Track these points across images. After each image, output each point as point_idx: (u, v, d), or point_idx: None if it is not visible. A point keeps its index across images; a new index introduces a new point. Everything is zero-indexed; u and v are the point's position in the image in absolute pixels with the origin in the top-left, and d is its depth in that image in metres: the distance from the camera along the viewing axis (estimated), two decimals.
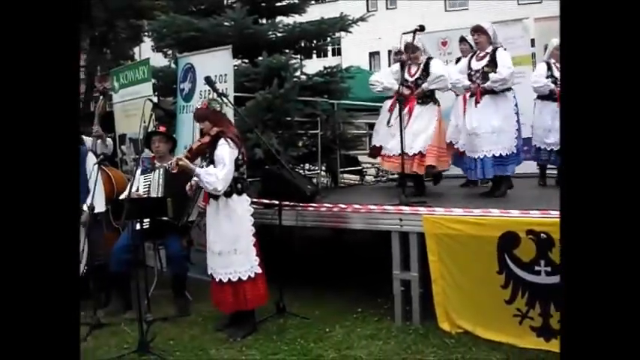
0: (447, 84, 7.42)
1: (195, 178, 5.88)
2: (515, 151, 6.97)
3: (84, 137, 7.79)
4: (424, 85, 7.39)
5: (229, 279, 5.89)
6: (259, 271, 5.98)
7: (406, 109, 7.26)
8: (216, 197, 5.87)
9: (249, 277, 5.91)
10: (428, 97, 7.49)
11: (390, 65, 9.61)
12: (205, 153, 5.93)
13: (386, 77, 7.77)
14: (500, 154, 6.92)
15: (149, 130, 6.98)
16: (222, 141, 5.76)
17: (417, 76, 7.48)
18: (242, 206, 5.93)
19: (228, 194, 5.82)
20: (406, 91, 7.35)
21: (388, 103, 7.67)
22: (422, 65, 7.50)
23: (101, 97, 8.43)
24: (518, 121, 7.06)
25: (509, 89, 7.03)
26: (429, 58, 7.59)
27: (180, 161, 5.67)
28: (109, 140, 7.98)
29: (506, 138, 6.95)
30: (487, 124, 6.96)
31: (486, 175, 7.11)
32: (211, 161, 5.80)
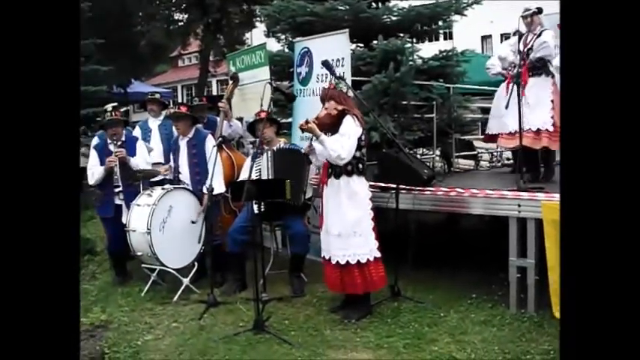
0: (551, 52, 7.19)
1: (317, 146, 5.91)
2: None
3: (217, 118, 8.04)
4: (531, 55, 7.22)
5: (347, 261, 5.88)
6: (378, 255, 5.96)
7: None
8: (337, 176, 5.86)
9: (368, 260, 5.89)
10: (539, 69, 7.29)
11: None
12: (328, 127, 5.86)
13: (502, 48, 7.64)
14: None
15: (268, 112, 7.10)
16: (348, 117, 5.76)
17: (529, 46, 7.32)
18: (363, 188, 5.92)
19: (349, 173, 5.82)
20: (520, 63, 7.20)
21: (503, 87, 7.54)
22: (535, 36, 7.32)
23: (231, 82, 8.63)
24: None
25: None
26: (542, 30, 7.39)
27: (309, 123, 5.66)
28: (235, 121, 8.15)
29: None
30: None
31: None
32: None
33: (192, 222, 7.13)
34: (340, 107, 5.81)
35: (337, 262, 5.92)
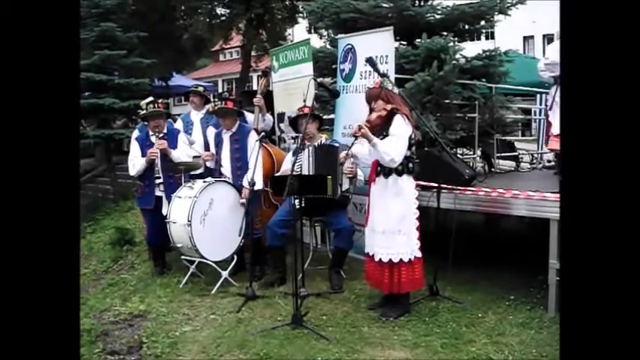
0: None
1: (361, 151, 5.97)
2: None
3: (246, 113, 8.08)
4: None
5: (390, 259, 5.87)
6: (419, 254, 5.94)
7: None
8: (386, 175, 5.86)
9: (410, 259, 5.88)
10: None
11: (544, 50, 9.34)
12: (379, 128, 5.85)
13: (552, 53, 7.55)
14: None
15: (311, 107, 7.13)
16: (397, 117, 5.75)
17: None
18: (410, 186, 5.91)
19: (399, 173, 5.82)
20: None
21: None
22: None
23: (263, 76, 8.68)
24: None
25: None
26: None
27: (362, 129, 5.67)
28: (268, 116, 8.20)
29: None
30: None
31: None
32: (385, 137, 5.76)
33: (242, 204, 7.16)
34: (389, 106, 5.80)
35: (380, 259, 5.92)
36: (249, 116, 8.14)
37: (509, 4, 9.22)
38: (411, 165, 5.87)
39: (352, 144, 6.06)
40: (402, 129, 5.71)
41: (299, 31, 26.60)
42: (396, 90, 6.01)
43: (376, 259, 5.95)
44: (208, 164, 7.78)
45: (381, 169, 5.89)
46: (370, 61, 6.34)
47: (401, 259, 5.84)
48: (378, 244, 5.92)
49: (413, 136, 5.88)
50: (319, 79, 7.88)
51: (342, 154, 6.23)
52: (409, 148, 5.82)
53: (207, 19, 25.24)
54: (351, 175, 6.81)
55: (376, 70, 6.22)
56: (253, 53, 26.79)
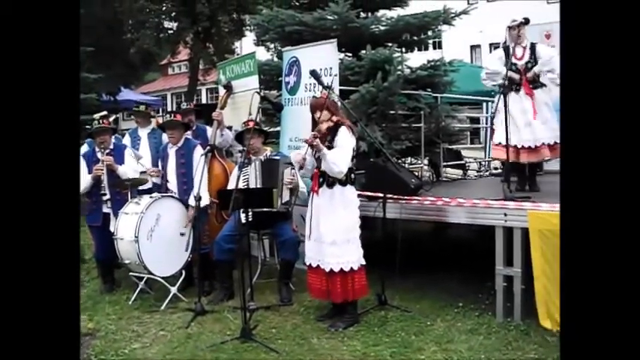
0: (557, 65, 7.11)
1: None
2: None
3: (207, 127, 8.07)
4: (536, 68, 7.27)
5: (341, 268, 5.93)
6: (364, 262, 6.05)
7: (522, 92, 7.24)
8: (330, 186, 5.94)
9: (359, 266, 5.99)
10: (538, 82, 7.33)
11: None
12: (324, 138, 5.92)
13: (492, 63, 7.65)
14: None
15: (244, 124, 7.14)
16: (343, 128, 5.86)
17: (526, 59, 7.33)
18: (354, 197, 6.05)
19: (343, 183, 5.91)
20: (515, 76, 7.24)
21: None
22: (528, 49, 7.36)
23: (224, 91, 8.65)
24: None
25: None
26: (533, 43, 7.46)
27: (316, 139, 5.75)
28: (226, 131, 8.15)
29: None
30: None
31: None
32: (330, 148, 5.82)
33: (182, 234, 7.13)
34: (335, 118, 5.90)
35: (323, 269, 5.97)
36: (208, 130, 8.09)
37: (453, 15, 9.33)
38: (353, 175, 5.99)
39: (306, 152, 6.08)
40: (347, 141, 5.83)
41: (247, 44, 26.57)
42: (339, 102, 6.05)
43: (327, 269, 5.98)
44: (155, 180, 7.73)
45: (324, 180, 5.95)
46: (314, 73, 6.37)
47: (351, 268, 5.92)
48: (329, 255, 5.96)
49: (355, 148, 5.96)
50: (264, 92, 7.89)
51: (298, 157, 6.22)
52: (351, 159, 5.90)
53: (155, 33, 25.12)
54: (291, 187, 6.83)
55: (320, 82, 6.25)
56: (201, 67, 26.74)
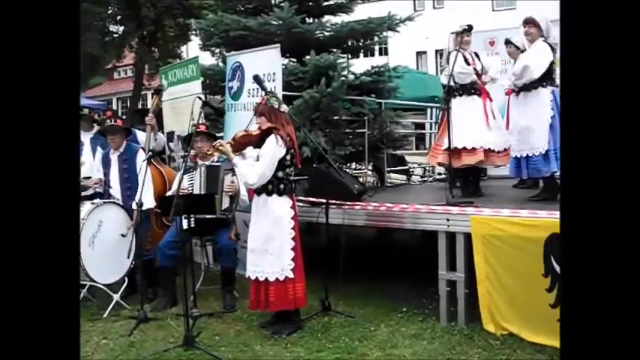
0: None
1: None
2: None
3: (138, 132, 7.95)
4: (492, 74, 7.48)
5: (257, 277, 5.92)
6: (291, 275, 5.88)
7: (474, 96, 7.36)
8: (258, 194, 5.90)
9: (277, 279, 5.86)
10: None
11: (437, 64, 9.55)
12: (253, 146, 5.86)
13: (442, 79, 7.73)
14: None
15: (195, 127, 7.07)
16: (271, 137, 5.73)
17: (478, 65, 7.44)
18: (282, 208, 5.88)
19: (269, 193, 5.83)
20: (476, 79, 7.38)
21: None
22: (474, 56, 7.47)
23: (155, 95, 8.56)
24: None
25: (543, 85, 6.73)
26: (476, 52, 7.59)
27: (221, 146, 5.71)
28: (159, 135, 8.07)
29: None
30: (517, 124, 6.97)
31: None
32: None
33: (122, 235, 7.02)
34: (267, 125, 5.80)
35: (256, 278, 5.95)
36: (141, 135, 7.99)
37: (397, 21, 9.40)
38: (282, 186, 5.85)
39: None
40: (270, 151, 5.69)
41: (192, 49, 26.43)
42: (283, 107, 5.99)
43: (252, 277, 5.99)
44: (96, 189, 7.59)
45: (256, 188, 5.91)
46: (257, 78, 6.37)
47: (266, 278, 5.88)
48: (249, 262, 5.99)
49: (289, 158, 5.87)
50: (208, 97, 7.85)
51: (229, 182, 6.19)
52: (284, 169, 5.82)
53: (100, 36, 24.85)
54: (231, 193, 6.79)
55: (262, 87, 6.25)
56: (146, 71, 26.54)
